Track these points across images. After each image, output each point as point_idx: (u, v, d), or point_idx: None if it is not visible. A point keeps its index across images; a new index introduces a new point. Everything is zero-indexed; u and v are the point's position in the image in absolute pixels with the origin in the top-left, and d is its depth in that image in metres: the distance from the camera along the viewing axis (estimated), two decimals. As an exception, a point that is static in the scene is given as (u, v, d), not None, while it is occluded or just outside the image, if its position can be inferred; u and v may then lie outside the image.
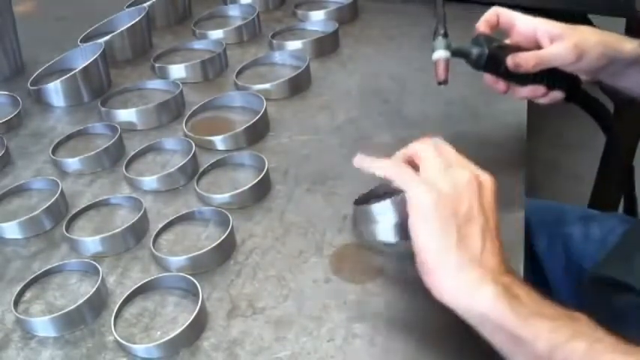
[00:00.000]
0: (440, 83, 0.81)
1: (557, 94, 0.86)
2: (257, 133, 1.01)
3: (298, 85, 1.13)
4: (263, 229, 0.84)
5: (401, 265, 0.79)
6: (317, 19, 1.34)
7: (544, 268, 1.02)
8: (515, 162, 0.95)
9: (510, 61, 0.81)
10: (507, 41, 0.86)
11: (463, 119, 1.05)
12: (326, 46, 1.25)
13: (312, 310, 0.73)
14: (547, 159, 2.16)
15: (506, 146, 0.99)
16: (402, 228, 0.79)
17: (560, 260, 1.00)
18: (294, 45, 1.23)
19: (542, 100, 0.86)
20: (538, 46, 0.82)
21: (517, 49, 0.83)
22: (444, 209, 0.63)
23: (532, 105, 1.07)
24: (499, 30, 0.86)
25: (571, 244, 1.01)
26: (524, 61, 0.80)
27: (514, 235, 0.83)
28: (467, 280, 0.61)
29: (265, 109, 1.02)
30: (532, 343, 0.57)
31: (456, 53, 0.82)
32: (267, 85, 1.11)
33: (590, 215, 1.06)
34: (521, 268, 0.78)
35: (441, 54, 0.80)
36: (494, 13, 0.86)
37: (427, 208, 0.63)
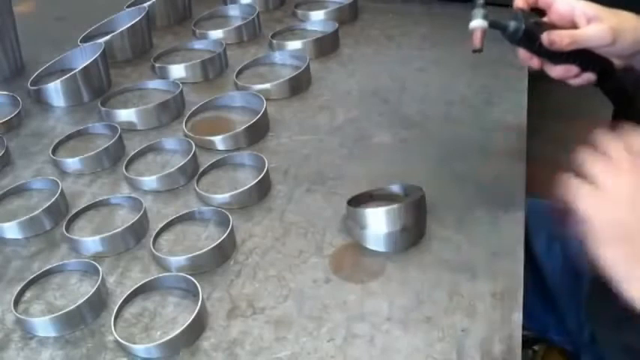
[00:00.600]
0: (475, 51, 0.80)
1: (589, 76, 0.85)
2: (257, 133, 1.01)
3: (298, 85, 1.13)
4: (263, 229, 0.84)
5: (401, 265, 0.79)
6: (317, 19, 1.34)
7: (542, 268, 1.02)
8: (515, 162, 0.95)
9: (545, 37, 0.80)
10: (545, 19, 0.85)
11: (463, 119, 1.05)
12: (326, 46, 1.25)
13: (312, 310, 0.73)
14: (547, 159, 2.16)
15: (507, 146, 0.99)
16: (392, 239, 0.80)
17: (558, 260, 1.00)
18: (294, 45, 1.23)
19: (574, 81, 0.85)
20: (575, 27, 0.81)
21: (554, 27, 0.82)
22: (627, 239, 0.62)
23: (532, 105, 1.07)
24: (537, 8, 0.85)
25: (569, 244, 1.01)
26: (559, 38, 0.79)
27: (514, 235, 0.83)
28: None
29: (265, 109, 1.02)
30: None
31: (493, 25, 0.81)
32: (267, 85, 1.11)
33: None
34: (521, 268, 0.78)
35: (478, 23, 0.79)
36: None
37: (607, 237, 0.62)
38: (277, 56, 1.22)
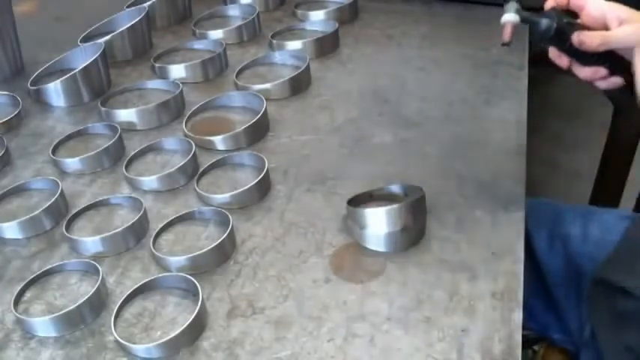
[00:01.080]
0: (504, 44, 0.81)
1: (617, 80, 0.85)
2: (257, 133, 1.01)
3: (298, 85, 1.13)
4: (263, 229, 0.84)
5: (401, 265, 0.79)
6: (317, 19, 1.34)
7: (542, 267, 1.02)
8: (516, 161, 0.95)
9: (576, 37, 0.80)
10: (578, 21, 0.85)
11: (463, 119, 1.05)
12: (326, 46, 1.25)
13: (312, 310, 0.73)
14: (547, 158, 2.17)
15: (507, 146, 0.99)
16: (392, 239, 0.80)
17: (559, 259, 1.01)
18: (294, 45, 1.23)
19: (601, 84, 0.85)
20: (606, 29, 0.81)
21: (586, 28, 0.82)
22: None
23: (532, 104, 1.07)
24: (569, 10, 0.85)
25: (569, 244, 1.01)
26: (590, 39, 0.79)
27: (514, 235, 0.83)
28: None
29: (265, 109, 1.02)
30: None
31: (525, 20, 0.81)
32: (267, 85, 1.11)
33: (589, 213, 1.06)
34: (521, 268, 0.78)
35: (509, 18, 0.79)
36: None
37: None
38: (277, 56, 1.22)
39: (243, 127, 0.99)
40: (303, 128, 1.04)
